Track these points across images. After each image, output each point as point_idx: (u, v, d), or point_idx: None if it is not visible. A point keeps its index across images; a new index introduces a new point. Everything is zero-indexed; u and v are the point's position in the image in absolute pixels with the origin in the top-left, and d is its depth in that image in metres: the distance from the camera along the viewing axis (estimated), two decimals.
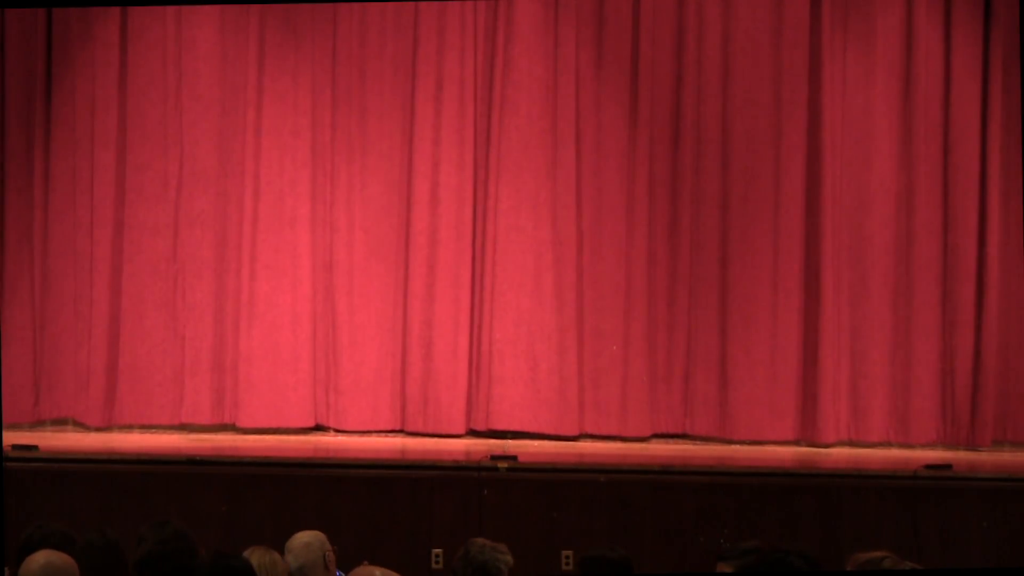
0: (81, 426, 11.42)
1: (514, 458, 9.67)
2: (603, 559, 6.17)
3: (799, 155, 11.47)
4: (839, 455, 11.07)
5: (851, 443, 11.37)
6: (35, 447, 9.65)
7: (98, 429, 11.34)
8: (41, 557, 5.13)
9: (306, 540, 6.40)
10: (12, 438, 9.97)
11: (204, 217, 11.54)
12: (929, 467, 9.61)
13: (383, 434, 11.48)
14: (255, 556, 5.91)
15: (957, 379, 11.37)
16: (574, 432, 11.43)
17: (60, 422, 11.46)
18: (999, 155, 11.41)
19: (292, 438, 11.29)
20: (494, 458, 9.61)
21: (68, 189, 11.54)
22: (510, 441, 11.14)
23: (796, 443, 11.34)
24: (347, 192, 11.60)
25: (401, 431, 11.50)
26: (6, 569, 5.54)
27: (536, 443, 11.12)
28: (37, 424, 11.38)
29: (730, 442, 11.30)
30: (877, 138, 11.48)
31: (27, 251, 11.56)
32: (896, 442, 11.35)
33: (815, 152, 11.47)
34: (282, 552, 6.24)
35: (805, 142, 11.48)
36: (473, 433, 11.46)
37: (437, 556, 9.25)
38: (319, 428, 11.54)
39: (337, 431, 11.49)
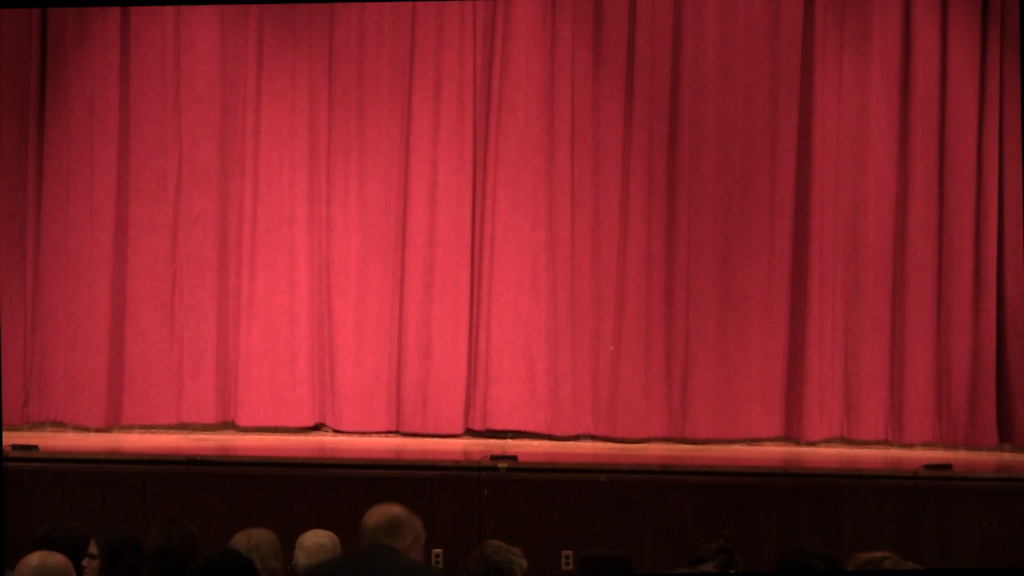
0: (76, 427, 11.40)
1: (514, 458, 9.66)
2: (603, 558, 6.19)
3: (796, 155, 11.48)
4: (837, 454, 11.07)
5: (846, 441, 11.38)
6: (35, 447, 9.65)
7: (96, 430, 11.33)
8: (35, 558, 5.15)
9: (320, 541, 6.42)
10: (10, 439, 9.96)
11: (204, 217, 11.53)
12: (929, 467, 9.61)
13: (380, 435, 11.48)
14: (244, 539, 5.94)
15: (953, 379, 11.37)
16: (571, 432, 11.42)
17: (52, 424, 11.44)
18: (996, 155, 11.41)
19: (292, 438, 11.29)
20: (494, 458, 9.60)
21: (62, 190, 11.53)
22: (510, 441, 11.14)
23: (795, 442, 11.34)
24: (344, 192, 11.60)
25: (396, 432, 11.50)
26: None
27: (536, 443, 11.13)
28: (25, 426, 11.36)
29: (725, 441, 11.30)
30: (874, 138, 11.48)
31: (19, 252, 11.54)
32: (890, 441, 11.35)
33: (812, 152, 11.47)
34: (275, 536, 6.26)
35: (801, 141, 11.48)
36: (471, 433, 11.47)
37: (437, 556, 9.24)
38: (319, 428, 11.54)
39: (335, 431, 11.49)
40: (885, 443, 11.37)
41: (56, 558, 5.22)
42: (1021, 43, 10.63)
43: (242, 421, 11.42)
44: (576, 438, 11.41)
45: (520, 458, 9.69)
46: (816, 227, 11.44)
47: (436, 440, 11.25)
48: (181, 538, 5.79)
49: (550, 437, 11.33)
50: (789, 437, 11.38)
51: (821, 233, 11.45)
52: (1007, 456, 11.04)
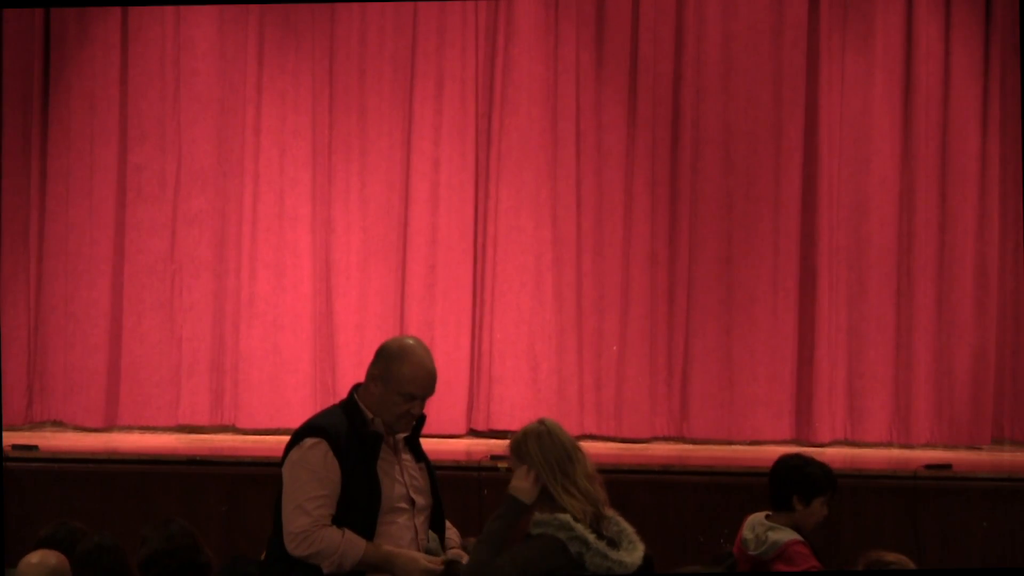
0: (77, 428, 11.40)
1: None
2: None
3: (799, 155, 11.47)
4: (838, 455, 11.05)
5: (849, 443, 11.37)
6: (35, 447, 9.65)
7: (95, 430, 11.33)
8: (36, 557, 5.17)
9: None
10: (10, 438, 9.97)
11: (203, 217, 11.54)
12: (929, 467, 9.59)
13: None
14: None
15: (954, 379, 11.37)
16: (574, 433, 11.34)
17: (53, 424, 11.44)
18: (998, 155, 11.41)
19: None
20: (494, 458, 9.58)
21: (63, 189, 11.54)
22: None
23: (795, 443, 11.32)
24: (345, 192, 11.60)
25: None
26: None
27: None
28: (29, 426, 11.37)
29: (729, 443, 11.29)
30: (877, 138, 11.48)
31: (23, 251, 11.56)
32: (894, 442, 11.34)
33: (815, 152, 11.47)
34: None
35: (805, 142, 11.48)
36: (473, 433, 11.47)
37: None
38: None
39: None
40: (890, 444, 11.35)
41: (57, 557, 5.24)
42: (1020, 42, 10.62)
43: (243, 423, 11.42)
44: (579, 439, 11.36)
45: None
46: (823, 228, 11.43)
47: (438, 440, 11.23)
48: (181, 539, 5.79)
49: None
50: (798, 440, 11.34)
51: (827, 234, 11.44)
52: (1007, 456, 11.03)
